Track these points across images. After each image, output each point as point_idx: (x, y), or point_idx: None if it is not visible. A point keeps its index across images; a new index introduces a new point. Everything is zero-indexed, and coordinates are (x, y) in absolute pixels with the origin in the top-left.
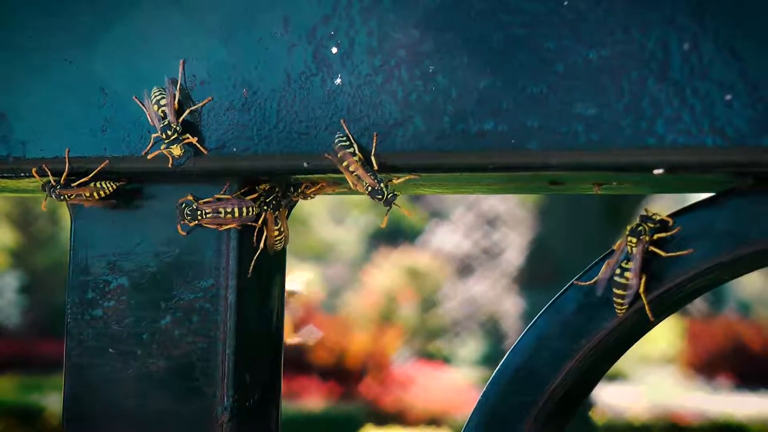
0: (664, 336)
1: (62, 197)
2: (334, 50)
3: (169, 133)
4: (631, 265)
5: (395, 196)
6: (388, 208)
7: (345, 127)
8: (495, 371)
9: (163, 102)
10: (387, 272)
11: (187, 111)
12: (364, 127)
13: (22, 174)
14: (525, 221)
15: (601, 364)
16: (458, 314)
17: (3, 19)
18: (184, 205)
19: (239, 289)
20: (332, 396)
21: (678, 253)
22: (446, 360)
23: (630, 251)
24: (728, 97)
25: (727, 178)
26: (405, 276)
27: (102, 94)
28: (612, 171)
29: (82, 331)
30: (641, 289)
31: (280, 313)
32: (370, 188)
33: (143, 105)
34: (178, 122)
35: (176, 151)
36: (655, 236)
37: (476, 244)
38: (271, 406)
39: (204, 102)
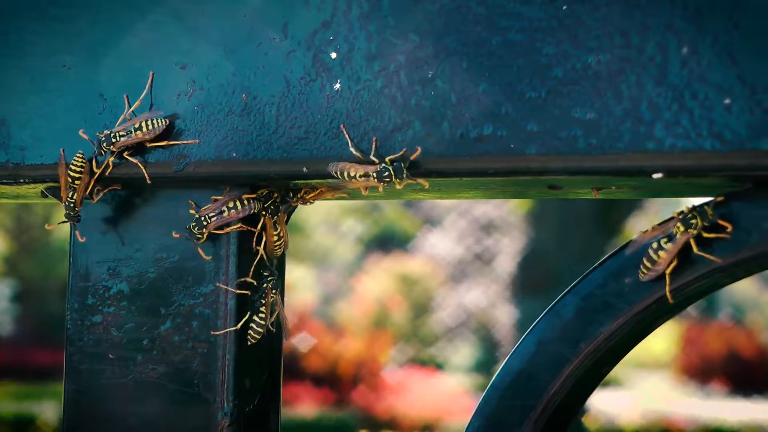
0: (658, 342)
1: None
2: (333, 55)
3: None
4: (669, 246)
5: (399, 164)
6: (401, 180)
7: (345, 132)
8: (495, 375)
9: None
10: (379, 279)
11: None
12: (363, 131)
13: (22, 180)
14: (518, 227)
15: (600, 368)
16: (451, 321)
17: (2, 26)
18: (192, 224)
19: (239, 295)
20: (325, 403)
21: (708, 256)
22: (439, 366)
23: (675, 233)
24: (727, 101)
25: (725, 182)
26: (397, 282)
27: (101, 101)
28: (611, 175)
29: (82, 336)
30: (668, 271)
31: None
32: (375, 174)
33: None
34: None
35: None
36: (704, 234)
37: (469, 251)
38: (271, 411)
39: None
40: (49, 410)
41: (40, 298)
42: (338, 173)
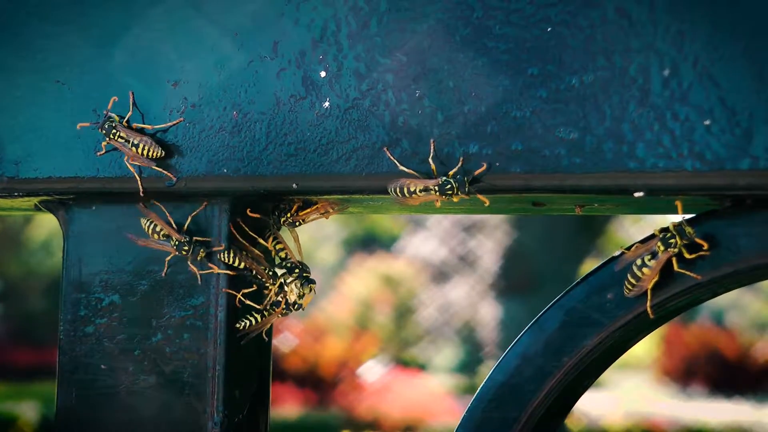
0: (639, 343)
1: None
2: (323, 74)
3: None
4: (653, 263)
5: (463, 178)
6: (463, 193)
7: (389, 154)
8: (479, 388)
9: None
10: (362, 279)
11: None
12: (352, 149)
13: (16, 193)
14: (501, 228)
15: (582, 381)
16: (434, 321)
17: None
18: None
19: (229, 307)
20: (308, 403)
21: (688, 273)
22: (422, 367)
23: (657, 251)
24: (707, 122)
25: (705, 200)
26: (380, 283)
27: (94, 116)
28: (594, 193)
29: (75, 347)
30: (650, 286)
31: (269, 330)
32: (436, 187)
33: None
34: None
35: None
36: (684, 252)
37: (452, 251)
38: (260, 421)
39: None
40: (30, 410)
41: (21, 297)
42: (397, 191)
